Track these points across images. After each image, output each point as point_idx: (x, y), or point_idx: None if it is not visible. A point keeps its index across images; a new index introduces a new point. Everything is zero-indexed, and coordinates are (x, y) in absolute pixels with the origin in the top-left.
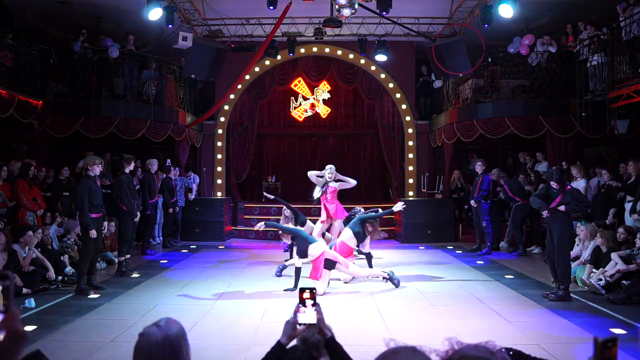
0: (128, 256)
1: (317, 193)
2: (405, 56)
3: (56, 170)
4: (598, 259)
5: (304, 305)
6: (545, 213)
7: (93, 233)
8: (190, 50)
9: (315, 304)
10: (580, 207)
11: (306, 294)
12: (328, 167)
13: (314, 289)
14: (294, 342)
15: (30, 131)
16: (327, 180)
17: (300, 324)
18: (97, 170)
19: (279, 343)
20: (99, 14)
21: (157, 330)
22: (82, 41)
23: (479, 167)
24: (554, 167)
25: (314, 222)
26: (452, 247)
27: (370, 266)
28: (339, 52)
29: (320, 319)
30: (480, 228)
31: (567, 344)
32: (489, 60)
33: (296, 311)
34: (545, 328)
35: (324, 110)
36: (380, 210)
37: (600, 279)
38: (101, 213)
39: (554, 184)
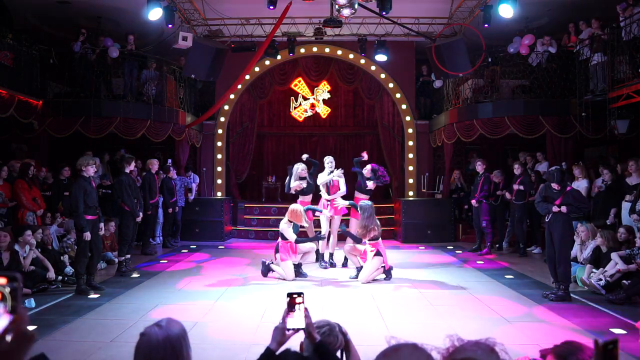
0: (128, 256)
1: (324, 193)
2: (405, 56)
3: (56, 170)
4: (598, 259)
5: (293, 310)
6: (550, 216)
7: (87, 236)
8: (190, 50)
9: (304, 309)
10: (582, 207)
11: (296, 299)
12: (327, 158)
13: (302, 293)
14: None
15: (30, 131)
16: (329, 171)
17: (289, 329)
18: (91, 171)
19: (268, 349)
20: (99, 14)
21: (158, 330)
22: (82, 41)
23: (479, 167)
24: (553, 168)
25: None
26: (452, 247)
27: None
28: (339, 52)
29: (309, 323)
30: (480, 228)
31: None
32: (489, 60)
33: (285, 316)
34: (545, 328)
35: (324, 110)
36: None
37: (600, 279)
38: (96, 216)
39: (554, 185)
